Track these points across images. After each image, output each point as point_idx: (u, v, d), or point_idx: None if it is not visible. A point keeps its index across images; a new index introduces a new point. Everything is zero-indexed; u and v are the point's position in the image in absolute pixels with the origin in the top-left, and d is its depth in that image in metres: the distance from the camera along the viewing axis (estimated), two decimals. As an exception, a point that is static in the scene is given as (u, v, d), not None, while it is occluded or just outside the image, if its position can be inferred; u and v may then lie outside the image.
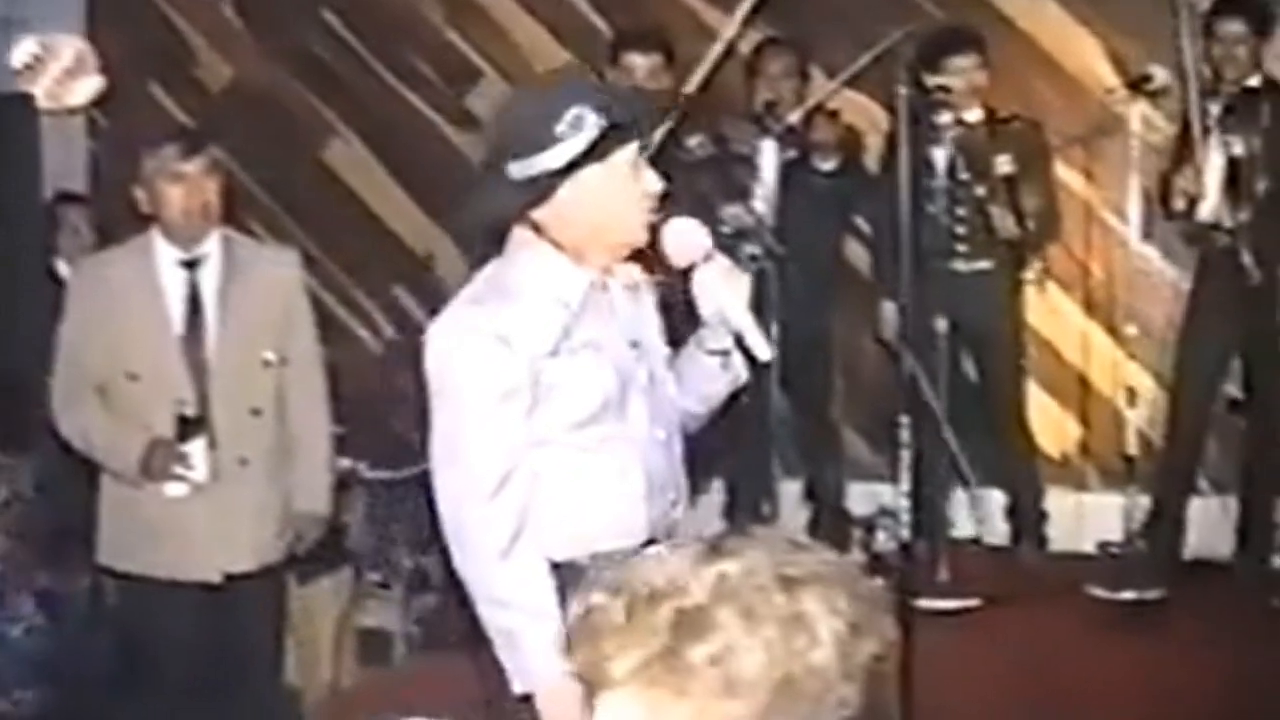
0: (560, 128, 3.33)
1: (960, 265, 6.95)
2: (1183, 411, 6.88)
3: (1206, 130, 6.76)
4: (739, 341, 3.52)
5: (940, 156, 6.70)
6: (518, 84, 7.92)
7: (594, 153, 3.35)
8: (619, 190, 3.41)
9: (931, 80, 6.77)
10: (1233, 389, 6.99)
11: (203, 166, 5.03)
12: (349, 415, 7.03)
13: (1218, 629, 6.14)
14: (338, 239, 8.63)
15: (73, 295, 5.20)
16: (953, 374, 6.91)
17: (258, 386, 5.19)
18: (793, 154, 6.67)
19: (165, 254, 5.08)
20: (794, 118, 6.70)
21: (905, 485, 4.69)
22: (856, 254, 7.60)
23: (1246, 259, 6.63)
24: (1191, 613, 6.31)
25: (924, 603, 6.00)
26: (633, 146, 3.43)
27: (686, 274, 3.50)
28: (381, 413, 8.03)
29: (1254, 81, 6.78)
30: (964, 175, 6.91)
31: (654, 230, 3.49)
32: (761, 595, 1.62)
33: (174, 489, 5.03)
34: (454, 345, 3.39)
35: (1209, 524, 6.97)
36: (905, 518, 4.66)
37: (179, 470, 5.00)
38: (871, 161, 7.25)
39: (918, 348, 5.72)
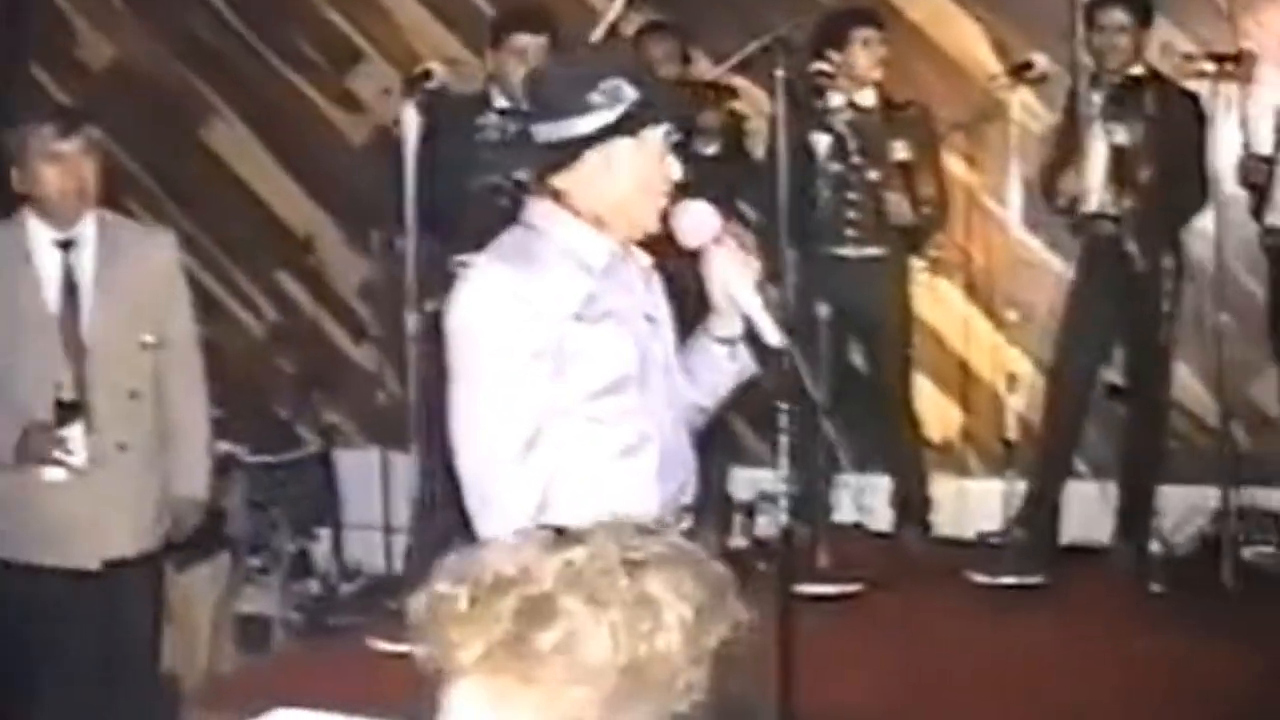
0: (596, 96, 3.32)
1: (850, 251, 6.96)
2: (1062, 397, 6.94)
3: (1089, 119, 6.82)
4: (749, 330, 3.49)
5: (825, 141, 6.70)
6: (400, 66, 7.84)
7: (627, 125, 3.33)
8: (645, 167, 3.39)
9: (835, 58, 6.79)
10: (1112, 375, 7.05)
11: (80, 147, 4.93)
12: (229, 399, 6.97)
13: (1097, 614, 6.20)
14: (219, 221, 8.56)
15: None
16: (840, 360, 6.94)
17: (135, 369, 5.10)
18: (676, 138, 6.62)
19: (40, 234, 4.98)
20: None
21: (784, 471, 4.67)
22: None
23: (1131, 247, 6.69)
24: (1071, 598, 6.36)
25: (804, 588, 6.01)
26: (663, 128, 3.42)
27: (695, 259, 3.48)
28: (263, 396, 7.98)
29: (1136, 71, 6.83)
30: (857, 160, 6.92)
31: (664, 218, 3.46)
32: (607, 581, 1.61)
33: (52, 474, 4.93)
34: (481, 305, 3.33)
35: (1088, 509, 7.03)
36: (783, 503, 4.64)
37: (57, 455, 4.90)
38: (759, 148, 7.24)
39: (801, 334, 5.73)
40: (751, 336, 3.50)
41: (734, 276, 3.43)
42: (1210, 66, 6.62)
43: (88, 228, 5.04)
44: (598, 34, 6.68)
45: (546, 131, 3.37)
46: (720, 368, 3.62)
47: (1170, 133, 6.74)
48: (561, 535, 1.68)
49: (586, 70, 3.44)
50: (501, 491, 3.28)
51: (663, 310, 3.60)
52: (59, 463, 4.92)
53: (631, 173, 3.37)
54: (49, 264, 4.99)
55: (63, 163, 4.90)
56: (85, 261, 5.03)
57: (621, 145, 3.34)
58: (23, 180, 4.95)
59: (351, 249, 8.21)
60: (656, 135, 3.40)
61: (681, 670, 1.61)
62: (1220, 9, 7.31)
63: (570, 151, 3.34)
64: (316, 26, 8.53)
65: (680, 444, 3.56)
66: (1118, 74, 6.81)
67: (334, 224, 8.33)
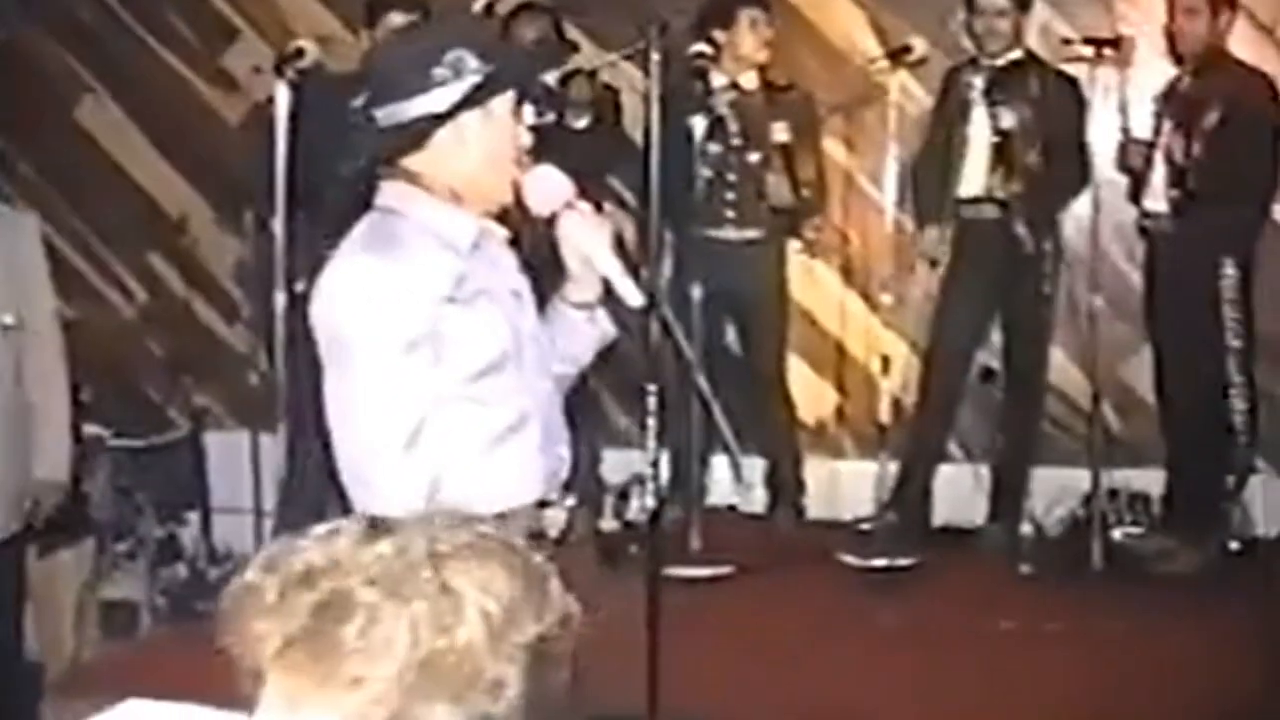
0: (440, 70, 3.18)
1: (728, 233, 6.95)
2: (936, 380, 6.97)
3: (970, 103, 6.85)
4: (607, 292, 3.41)
5: (703, 123, 6.67)
6: (276, 45, 7.74)
7: (475, 98, 3.20)
8: (497, 138, 3.27)
9: (720, 37, 6.78)
10: (986, 358, 7.08)
11: None
12: (98, 381, 6.89)
13: (967, 596, 6.23)
14: (91, 201, 8.44)
15: None
16: (715, 341, 6.92)
17: None
18: (550, 116, 6.59)
19: None
20: (550, 79, 6.63)
21: (650, 453, 4.65)
22: (616, 220, 7.54)
23: (1021, 230, 6.73)
24: (941, 580, 6.37)
25: (675, 571, 6.00)
26: (510, 94, 3.29)
27: (548, 225, 3.38)
28: (133, 379, 7.88)
29: (1016, 55, 6.86)
30: (737, 141, 6.91)
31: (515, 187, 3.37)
32: (411, 573, 1.56)
33: None
34: (350, 295, 3.18)
35: (960, 491, 7.07)
36: (650, 485, 4.62)
37: None
38: (634, 125, 7.21)
39: (677, 314, 5.71)
40: (608, 301, 3.44)
41: (589, 240, 3.34)
42: (1088, 51, 6.64)
43: None
44: (472, 12, 6.62)
45: (391, 113, 3.23)
46: (580, 334, 3.51)
47: (1052, 117, 6.78)
48: (374, 527, 1.62)
49: (427, 44, 3.30)
50: (386, 485, 3.15)
51: (523, 282, 3.48)
52: None
53: (482, 145, 3.25)
54: None
55: None
56: None
57: (470, 118, 3.22)
58: None
59: (225, 230, 8.11)
60: (505, 103, 3.29)
61: (486, 667, 1.56)
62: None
63: (419, 131, 3.22)
64: (191, 4, 8.42)
65: (555, 415, 3.47)
66: (998, 57, 6.84)
67: (208, 205, 8.22)
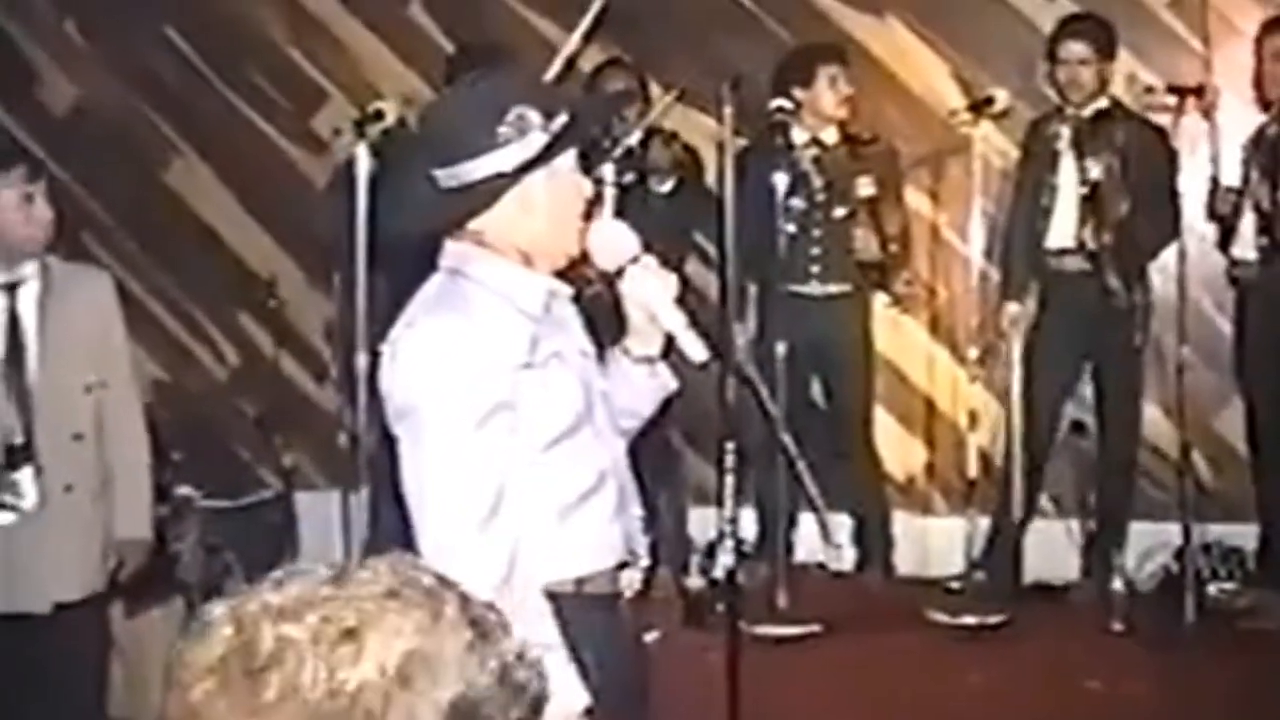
0: (504, 129, 3.11)
1: (814, 288, 6.92)
2: (1026, 434, 6.87)
3: (1056, 155, 6.80)
4: (669, 346, 3.36)
5: (785, 178, 6.65)
6: (362, 106, 7.80)
7: (541, 157, 3.13)
8: (563, 195, 3.22)
9: (800, 95, 6.77)
10: (1075, 411, 7.00)
11: (20, 193, 4.90)
12: (189, 441, 6.91)
13: (1057, 653, 6.14)
14: (180, 262, 8.49)
15: None
16: (801, 398, 6.88)
17: (79, 411, 5.04)
18: (630, 177, 6.59)
19: None
20: (632, 140, 6.63)
21: (729, 511, 4.63)
22: (701, 276, 7.53)
23: (1113, 281, 6.67)
24: (1031, 637, 6.30)
25: (762, 629, 5.97)
26: (573, 150, 3.24)
27: (610, 279, 3.34)
28: (222, 439, 7.92)
29: (1102, 104, 6.81)
30: (821, 197, 6.89)
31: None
32: (318, 624, 1.52)
33: (2, 518, 4.91)
34: (424, 361, 3.11)
35: (1053, 547, 6.98)
36: (729, 543, 4.59)
37: (8, 499, 4.88)
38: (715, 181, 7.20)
39: (761, 371, 5.70)
40: (668, 354, 3.40)
41: (654, 294, 3.27)
42: (1172, 100, 6.58)
43: (31, 270, 5.00)
44: (554, 69, 6.62)
45: (454, 174, 3.15)
46: (641, 387, 3.44)
47: (1140, 166, 6.73)
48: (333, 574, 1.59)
49: (488, 102, 3.20)
50: (467, 559, 3.00)
51: (588, 339, 3.42)
52: (9, 507, 4.88)
53: (549, 204, 3.18)
54: None
55: (28, 207, 4.90)
56: (29, 304, 4.99)
57: (536, 176, 3.14)
58: None
59: (313, 289, 8.15)
60: (569, 158, 3.23)
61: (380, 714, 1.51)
62: (1184, 41, 7.30)
63: (486, 192, 3.13)
64: (278, 66, 8.49)
65: (626, 474, 3.41)
66: (1083, 107, 6.79)
67: (296, 265, 8.27)
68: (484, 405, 3.07)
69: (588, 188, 3.31)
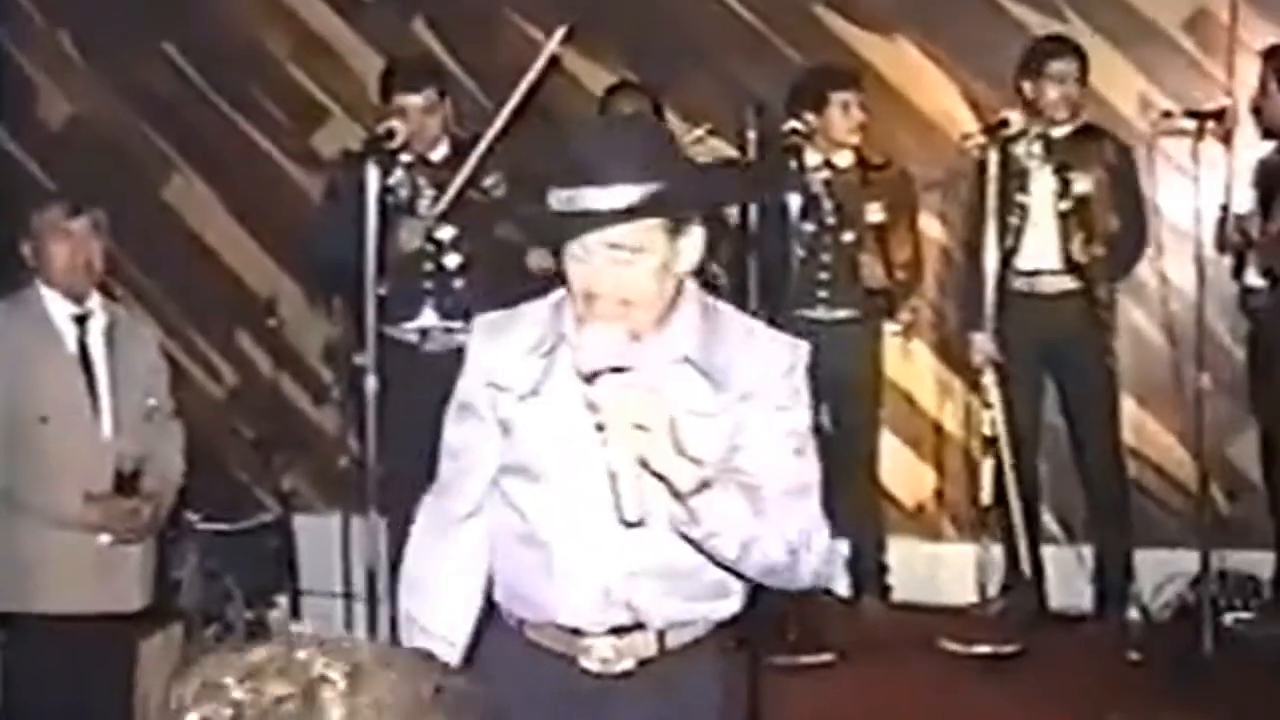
0: None
1: (822, 313, 6.85)
2: (1019, 462, 6.75)
3: (1026, 172, 6.75)
4: None
5: (798, 201, 6.59)
6: (364, 124, 7.72)
7: None
8: None
9: (812, 119, 6.71)
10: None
11: (85, 226, 5.28)
12: (185, 464, 6.81)
13: (1073, 683, 6.06)
14: (178, 281, 8.42)
15: None
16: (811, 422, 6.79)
17: (143, 436, 5.36)
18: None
19: (58, 308, 5.28)
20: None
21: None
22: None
23: (1103, 295, 6.73)
24: (1046, 666, 6.21)
25: (777, 659, 5.88)
26: None
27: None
28: (220, 461, 7.82)
29: (1079, 123, 6.82)
30: (831, 221, 6.82)
31: None
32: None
33: (104, 537, 5.19)
34: None
35: (1064, 573, 6.91)
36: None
37: (124, 525, 5.18)
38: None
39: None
40: None
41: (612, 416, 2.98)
42: (1190, 124, 6.51)
43: (95, 303, 5.36)
44: (533, 71, 6.44)
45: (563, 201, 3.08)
46: None
47: (1117, 183, 6.77)
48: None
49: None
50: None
51: None
52: (127, 531, 5.20)
53: None
54: (69, 337, 5.29)
55: (70, 241, 5.24)
56: (96, 335, 5.32)
57: None
58: (34, 256, 5.29)
59: (313, 310, 8.07)
60: None
61: None
62: (1199, 64, 7.25)
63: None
64: (279, 83, 8.41)
65: None
66: (1062, 125, 6.79)
67: (296, 285, 8.17)
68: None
69: None
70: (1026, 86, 6.83)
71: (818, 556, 3.16)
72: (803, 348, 3.21)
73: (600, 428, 2.90)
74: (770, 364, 3.16)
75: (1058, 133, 6.79)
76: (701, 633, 3.22)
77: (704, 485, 2.91)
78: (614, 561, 3.12)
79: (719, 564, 3.09)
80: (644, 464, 2.87)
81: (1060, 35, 7.03)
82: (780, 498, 3.07)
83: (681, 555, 3.08)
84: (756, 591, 3.29)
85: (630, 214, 2.97)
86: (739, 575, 3.17)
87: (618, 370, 2.89)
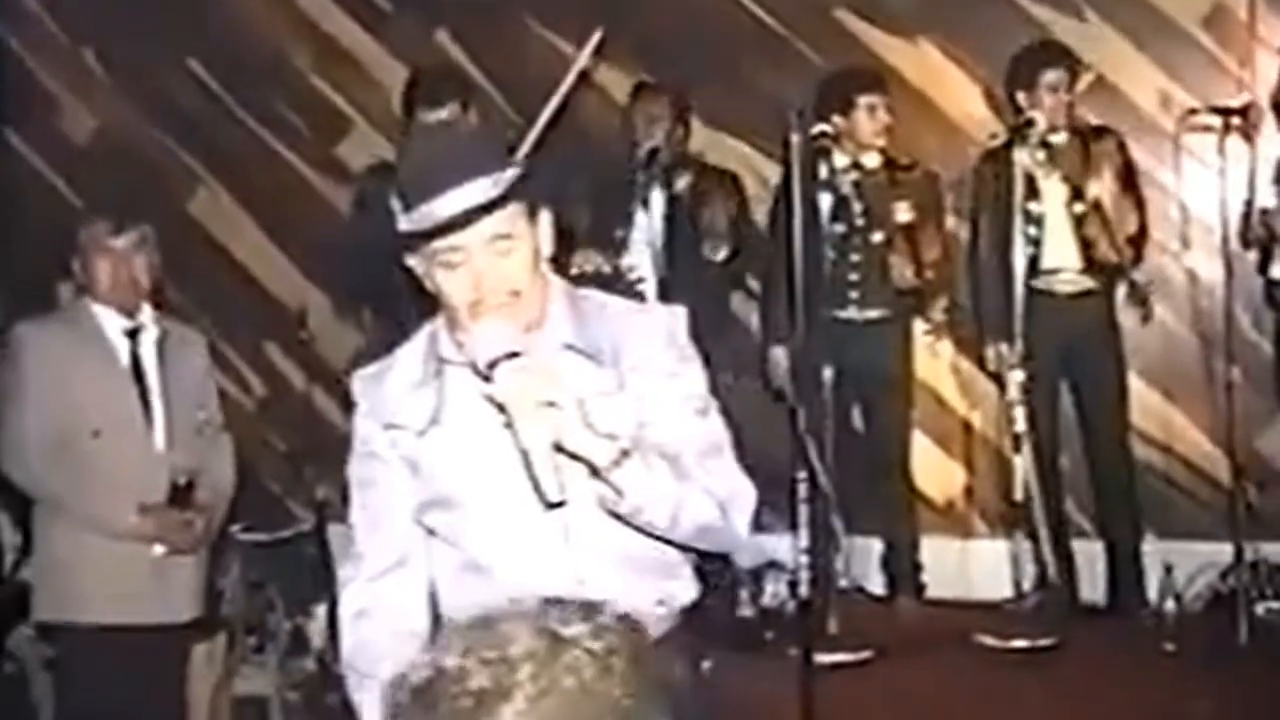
0: None
1: (853, 313, 6.91)
2: (1042, 455, 6.81)
3: (1031, 179, 6.79)
4: None
5: (828, 202, 6.64)
6: (389, 135, 7.77)
7: None
8: None
9: (839, 122, 6.75)
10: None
11: (131, 242, 5.30)
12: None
13: (1110, 675, 6.10)
14: (205, 293, 8.44)
15: (29, 357, 5.27)
16: (844, 423, 6.85)
17: (195, 451, 5.40)
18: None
19: (110, 322, 5.31)
20: (681, 186, 6.67)
21: (804, 540, 4.59)
22: (739, 305, 7.50)
23: (1119, 292, 6.89)
24: (1083, 659, 6.25)
25: (820, 657, 5.91)
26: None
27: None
28: (255, 473, 7.85)
29: (1077, 125, 6.90)
30: (860, 221, 6.87)
31: None
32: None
33: (160, 548, 5.24)
34: None
35: (1093, 568, 6.95)
36: (805, 573, 4.54)
37: (180, 536, 5.24)
38: (759, 210, 7.18)
39: (807, 397, 5.66)
40: None
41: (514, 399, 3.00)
42: (1215, 121, 6.56)
43: (147, 318, 5.40)
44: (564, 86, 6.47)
45: None
46: None
47: (1124, 178, 6.84)
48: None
49: None
50: None
51: None
52: (181, 543, 5.25)
53: None
54: (121, 351, 5.32)
55: (113, 257, 5.26)
56: (149, 349, 5.37)
57: None
58: (83, 272, 5.32)
59: (342, 320, 8.10)
60: None
61: None
62: (1215, 58, 7.29)
63: None
64: (303, 95, 8.45)
65: None
66: (1059, 130, 6.82)
67: (324, 295, 8.21)
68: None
69: None
70: (1020, 96, 6.88)
71: (747, 516, 3.15)
72: (679, 312, 3.22)
73: (505, 413, 2.89)
74: (648, 336, 3.16)
75: (1056, 139, 6.84)
76: (669, 625, 3.16)
77: (623, 456, 2.90)
78: (560, 568, 3.11)
79: (656, 538, 3.08)
80: (559, 448, 2.87)
81: (1048, 41, 7.13)
82: (697, 459, 3.05)
83: (623, 542, 3.09)
84: (705, 577, 3.28)
85: (495, 204, 2.98)
86: (680, 547, 3.16)
87: (514, 355, 2.89)
